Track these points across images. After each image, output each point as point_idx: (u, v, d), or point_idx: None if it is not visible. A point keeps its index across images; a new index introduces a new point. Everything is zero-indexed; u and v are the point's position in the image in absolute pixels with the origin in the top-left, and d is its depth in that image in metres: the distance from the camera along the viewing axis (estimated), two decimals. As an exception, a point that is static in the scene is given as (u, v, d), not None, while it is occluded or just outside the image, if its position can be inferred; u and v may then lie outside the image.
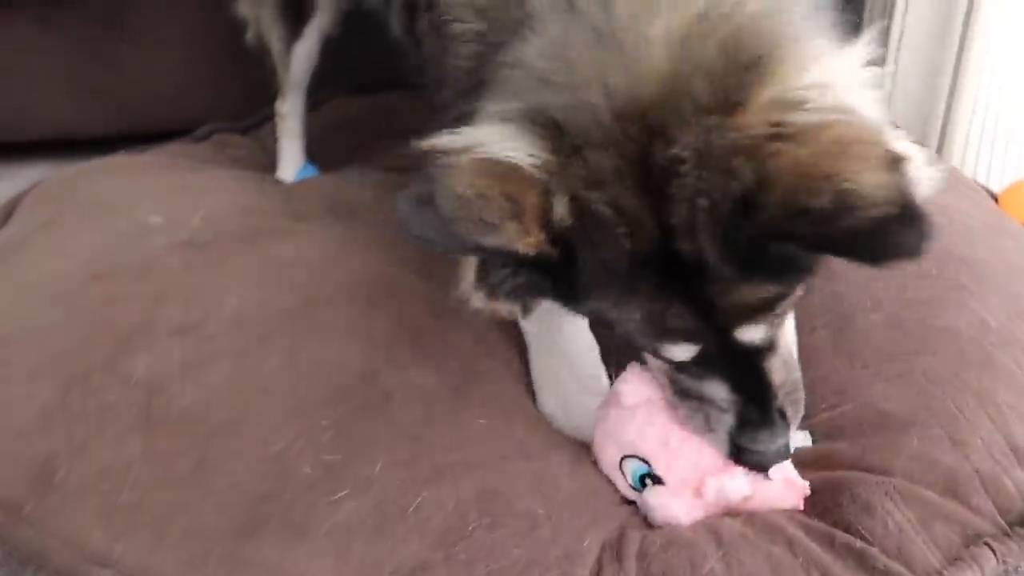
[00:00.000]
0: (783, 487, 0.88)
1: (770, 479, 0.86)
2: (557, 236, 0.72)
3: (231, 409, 0.88)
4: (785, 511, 0.87)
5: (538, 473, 0.87)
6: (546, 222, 0.71)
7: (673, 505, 0.87)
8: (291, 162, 1.68)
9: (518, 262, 0.74)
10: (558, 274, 0.75)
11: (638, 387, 0.89)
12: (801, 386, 0.86)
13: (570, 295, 0.78)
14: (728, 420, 0.83)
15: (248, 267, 1.08)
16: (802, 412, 0.86)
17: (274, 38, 1.59)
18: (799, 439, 0.94)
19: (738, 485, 0.86)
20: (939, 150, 1.72)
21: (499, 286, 0.79)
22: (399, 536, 0.79)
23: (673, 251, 0.71)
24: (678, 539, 0.83)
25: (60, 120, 1.95)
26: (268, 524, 0.78)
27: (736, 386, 0.81)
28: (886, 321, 1.02)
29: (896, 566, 0.80)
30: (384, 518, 0.80)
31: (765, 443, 0.82)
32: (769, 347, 0.80)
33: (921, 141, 1.65)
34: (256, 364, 0.93)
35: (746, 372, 0.80)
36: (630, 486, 0.90)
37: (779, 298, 0.76)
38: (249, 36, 1.65)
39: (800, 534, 0.84)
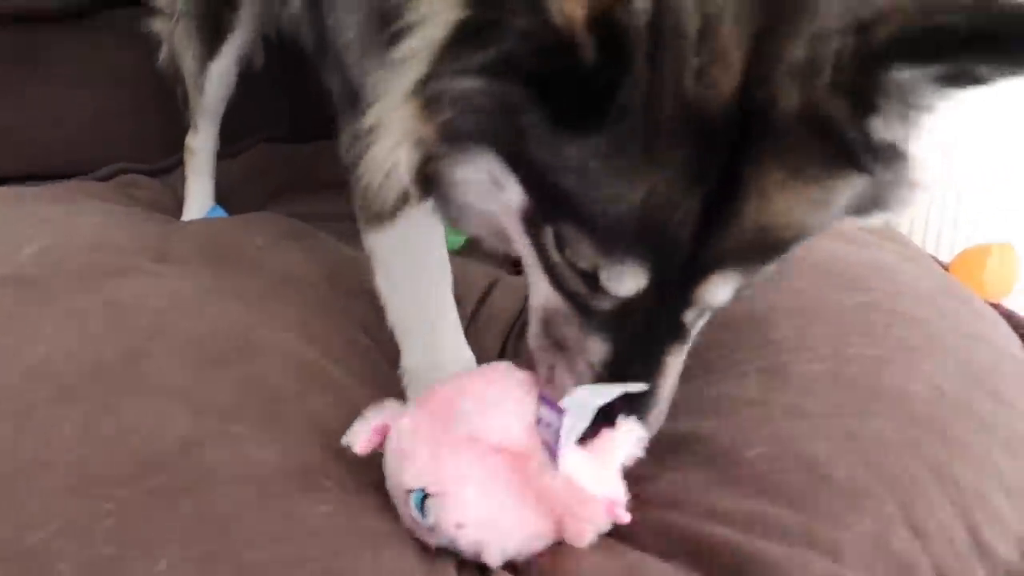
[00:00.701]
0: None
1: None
2: (608, 36, 0.54)
3: (-7, 486, 0.69)
4: None
5: (379, 569, 0.69)
6: (607, 8, 0.53)
7: (449, 507, 0.70)
8: (198, 203, 1.53)
9: (514, 58, 0.56)
10: (561, 95, 0.56)
11: (359, 429, 0.76)
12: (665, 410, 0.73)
13: (550, 139, 0.58)
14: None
15: (76, 309, 0.90)
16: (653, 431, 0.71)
17: (188, 56, 1.46)
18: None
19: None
20: (888, 220, 1.65)
21: (453, 104, 0.60)
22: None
23: (740, 115, 0.56)
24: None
25: (-37, 160, 1.80)
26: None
27: (623, 358, 0.67)
28: (828, 374, 0.85)
29: None
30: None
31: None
32: (686, 335, 0.69)
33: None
34: (43, 428, 0.75)
35: (645, 352, 0.67)
36: (427, 528, 0.71)
37: (793, 237, 0.63)
38: (162, 57, 1.53)
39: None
